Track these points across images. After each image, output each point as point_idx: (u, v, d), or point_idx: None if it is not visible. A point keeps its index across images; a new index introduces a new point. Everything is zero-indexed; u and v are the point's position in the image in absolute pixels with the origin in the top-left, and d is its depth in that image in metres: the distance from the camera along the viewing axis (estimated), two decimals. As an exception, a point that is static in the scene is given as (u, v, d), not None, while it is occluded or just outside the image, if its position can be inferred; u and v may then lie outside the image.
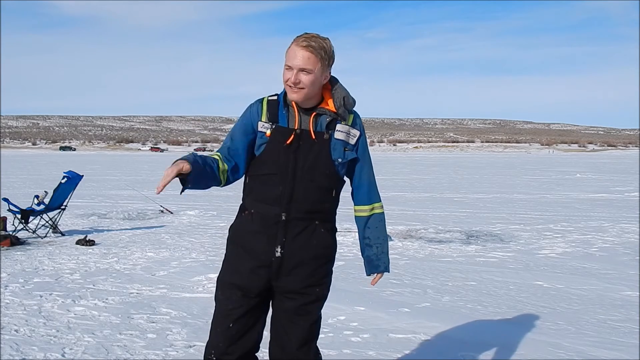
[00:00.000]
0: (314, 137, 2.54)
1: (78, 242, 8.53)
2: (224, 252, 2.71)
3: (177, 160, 2.37)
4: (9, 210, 9.09)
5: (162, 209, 12.85)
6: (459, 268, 6.97)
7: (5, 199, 9.21)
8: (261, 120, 2.57)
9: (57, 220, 9.48)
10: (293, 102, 2.56)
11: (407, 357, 4.08)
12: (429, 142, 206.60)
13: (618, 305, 5.38)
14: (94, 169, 37.54)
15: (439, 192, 19.41)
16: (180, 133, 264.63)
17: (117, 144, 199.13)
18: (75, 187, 9.79)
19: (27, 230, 9.16)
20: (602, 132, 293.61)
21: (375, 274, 2.78)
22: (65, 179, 9.59)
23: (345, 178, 2.69)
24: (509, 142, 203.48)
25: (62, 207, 9.59)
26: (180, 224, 10.85)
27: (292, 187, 2.52)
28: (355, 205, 2.74)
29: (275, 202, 2.53)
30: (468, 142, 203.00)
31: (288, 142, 2.52)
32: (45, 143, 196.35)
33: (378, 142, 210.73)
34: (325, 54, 2.49)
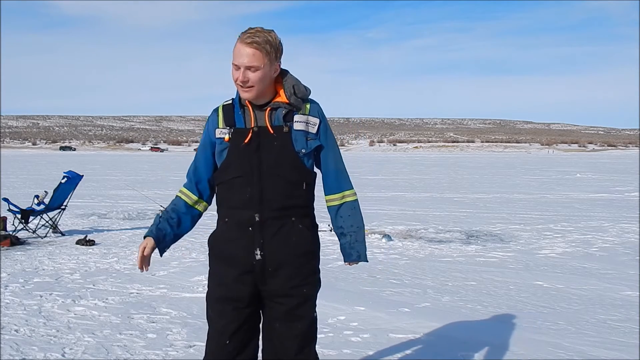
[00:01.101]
0: (272, 131, 2.47)
1: (78, 242, 8.53)
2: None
3: (144, 238, 2.64)
4: (9, 210, 9.09)
5: (162, 209, 12.84)
6: (459, 268, 6.97)
7: (5, 199, 9.22)
8: (218, 127, 2.55)
9: (57, 220, 9.48)
10: (247, 102, 2.52)
11: (407, 357, 4.08)
12: (429, 142, 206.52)
13: (618, 305, 5.38)
14: (94, 169, 37.55)
15: (439, 192, 19.41)
16: (180, 133, 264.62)
17: (117, 144, 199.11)
18: (75, 187, 9.80)
19: (27, 230, 9.16)
20: (602, 132, 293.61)
21: (351, 262, 2.68)
22: (65, 179, 9.60)
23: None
24: (509, 142, 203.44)
25: (62, 207, 9.59)
26: (180, 224, 10.83)
27: (260, 187, 2.46)
28: (325, 195, 2.64)
29: (247, 205, 2.47)
30: (468, 142, 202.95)
31: (246, 141, 2.47)
32: (45, 143, 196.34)
33: (378, 142, 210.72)
34: (270, 48, 2.42)
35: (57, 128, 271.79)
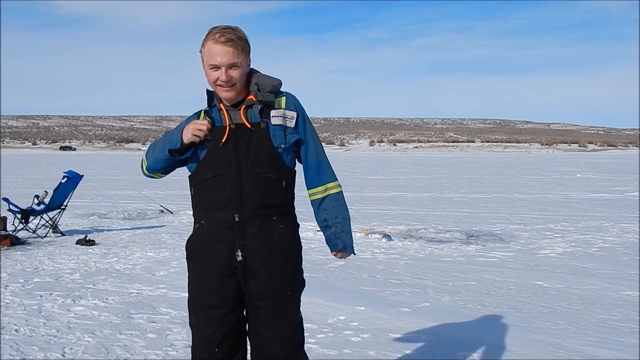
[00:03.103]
0: (250, 127, 2.42)
1: (78, 242, 8.53)
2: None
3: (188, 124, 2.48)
4: (9, 210, 9.10)
5: (162, 209, 12.86)
6: (459, 268, 6.96)
7: (6, 199, 9.22)
8: None
9: (57, 220, 9.48)
10: (221, 105, 2.48)
11: (407, 357, 4.08)
12: (429, 142, 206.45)
13: (618, 305, 5.38)
14: (94, 169, 37.54)
15: (439, 192, 19.40)
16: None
17: (117, 144, 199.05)
18: (76, 187, 9.80)
19: (27, 230, 9.16)
20: (602, 132, 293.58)
21: (337, 252, 2.61)
22: (66, 178, 9.60)
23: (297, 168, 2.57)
24: (509, 142, 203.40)
25: (62, 207, 9.59)
26: (180, 224, 10.84)
27: (240, 185, 2.39)
28: (307, 189, 2.57)
29: (226, 205, 2.40)
30: (468, 142, 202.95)
31: (223, 140, 2.42)
32: (45, 143, 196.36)
33: (378, 142, 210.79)
34: (244, 44, 2.40)
35: (57, 128, 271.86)
